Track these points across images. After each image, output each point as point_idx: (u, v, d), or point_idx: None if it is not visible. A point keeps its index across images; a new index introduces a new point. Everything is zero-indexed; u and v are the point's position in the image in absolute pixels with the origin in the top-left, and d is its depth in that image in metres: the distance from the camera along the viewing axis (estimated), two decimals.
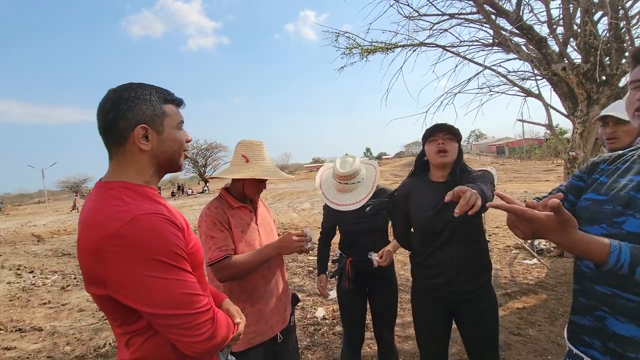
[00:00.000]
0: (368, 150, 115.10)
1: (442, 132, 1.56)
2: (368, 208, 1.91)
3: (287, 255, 1.56)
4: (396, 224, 1.82)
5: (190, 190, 35.24)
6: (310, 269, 5.16)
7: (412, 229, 1.75)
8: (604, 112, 1.63)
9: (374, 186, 1.90)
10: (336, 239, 2.14)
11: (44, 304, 4.61)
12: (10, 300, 4.82)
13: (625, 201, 0.88)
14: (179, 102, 0.94)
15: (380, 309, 2.04)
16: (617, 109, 1.59)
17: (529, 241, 5.54)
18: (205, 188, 35.87)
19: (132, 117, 0.83)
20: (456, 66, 5.79)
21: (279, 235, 1.74)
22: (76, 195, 30.46)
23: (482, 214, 1.57)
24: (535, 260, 4.85)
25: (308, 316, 3.52)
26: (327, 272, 2.14)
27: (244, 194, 1.52)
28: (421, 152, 1.70)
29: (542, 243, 5.48)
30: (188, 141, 0.95)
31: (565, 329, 1.05)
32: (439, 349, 1.67)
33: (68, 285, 5.38)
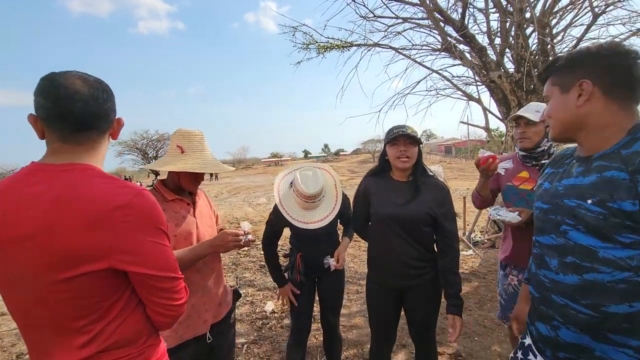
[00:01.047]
0: (326, 146, 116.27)
1: (403, 138, 1.65)
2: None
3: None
4: (357, 218, 1.91)
5: (139, 183, 33.18)
6: (262, 263, 5.14)
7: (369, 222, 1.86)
8: (516, 113, 1.78)
9: (339, 197, 1.87)
10: (286, 232, 2.14)
11: None
12: None
13: (565, 210, 0.92)
14: None
15: (327, 293, 2.11)
16: (528, 111, 1.75)
17: (466, 234, 6.04)
18: (215, 178, 33.78)
19: (115, 109, 0.92)
20: (407, 68, 6.08)
21: (218, 231, 1.72)
22: None
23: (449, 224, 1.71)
24: (470, 252, 5.30)
25: (257, 310, 3.51)
26: (286, 276, 2.07)
27: (179, 186, 1.47)
28: (383, 151, 1.80)
29: (477, 236, 6.00)
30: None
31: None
32: (389, 330, 1.85)
33: None
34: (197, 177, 1.47)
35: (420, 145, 1.72)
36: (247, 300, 3.78)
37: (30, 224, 0.74)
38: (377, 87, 6.34)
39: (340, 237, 2.16)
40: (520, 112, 1.75)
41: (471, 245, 5.52)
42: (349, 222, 2.13)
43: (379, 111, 6.21)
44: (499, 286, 2.00)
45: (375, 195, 1.79)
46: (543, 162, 1.73)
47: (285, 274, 2.08)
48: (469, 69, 5.79)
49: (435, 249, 1.77)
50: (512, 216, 1.67)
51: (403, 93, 6.18)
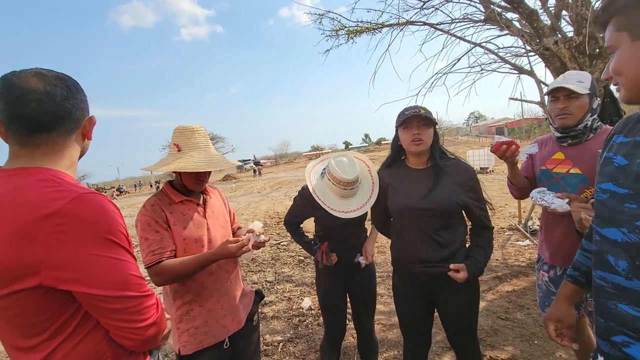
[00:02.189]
0: (367, 136, 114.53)
1: (416, 119, 1.49)
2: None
3: (244, 255, 1.47)
4: (376, 214, 1.77)
5: (154, 185, 36.42)
6: (301, 258, 5.10)
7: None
8: (555, 85, 1.49)
9: (375, 183, 1.74)
10: (309, 225, 2.02)
11: None
12: None
13: None
14: None
15: (359, 293, 1.97)
16: (569, 81, 1.46)
17: (522, 222, 5.46)
18: (258, 173, 35.53)
19: (84, 107, 0.83)
20: (445, 46, 5.59)
21: (234, 231, 1.64)
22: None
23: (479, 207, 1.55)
24: (528, 242, 4.78)
25: (294, 307, 3.46)
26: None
27: (185, 187, 1.40)
28: (395, 136, 1.64)
29: (535, 223, 5.41)
30: None
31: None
32: (419, 333, 1.67)
33: None
34: (200, 176, 1.37)
35: (436, 126, 1.54)
36: (285, 297, 3.75)
37: None
38: (414, 70, 5.91)
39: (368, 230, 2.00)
40: (560, 83, 1.46)
41: (528, 235, 4.98)
42: None
43: (417, 94, 5.81)
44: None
45: (393, 188, 1.61)
46: (581, 139, 1.49)
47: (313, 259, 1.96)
48: (517, 39, 5.15)
49: (467, 242, 1.59)
50: (559, 204, 1.38)
51: (442, 72, 5.71)
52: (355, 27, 5.64)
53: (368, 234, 1.98)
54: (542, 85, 5.03)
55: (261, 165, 46.34)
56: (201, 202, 1.45)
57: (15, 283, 0.68)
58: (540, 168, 1.65)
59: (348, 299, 2.03)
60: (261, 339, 2.60)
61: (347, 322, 2.06)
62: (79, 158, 0.88)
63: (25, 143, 0.76)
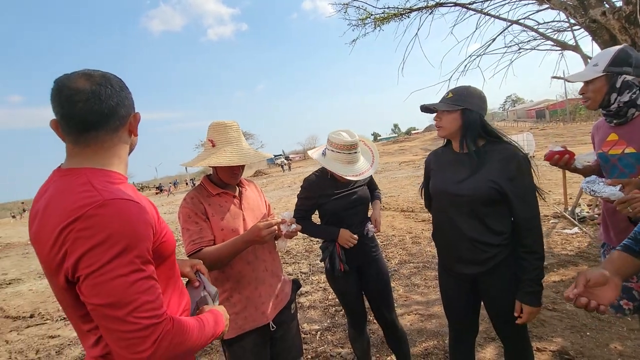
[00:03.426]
0: (396, 126, 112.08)
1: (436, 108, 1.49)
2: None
3: (278, 246, 1.52)
4: (426, 197, 1.75)
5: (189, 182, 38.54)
6: None
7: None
8: (572, 77, 1.53)
9: (373, 148, 1.94)
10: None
11: None
12: None
13: None
14: None
15: (374, 286, 1.96)
16: (583, 71, 1.49)
17: (569, 209, 5.13)
18: (286, 167, 36.64)
19: (129, 104, 0.86)
20: (478, 26, 5.30)
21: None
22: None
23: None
24: (576, 230, 4.48)
25: (329, 297, 3.51)
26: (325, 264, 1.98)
27: (222, 180, 1.46)
28: None
29: (584, 210, 5.05)
30: None
31: None
32: (465, 320, 1.63)
33: None
34: (234, 170, 1.42)
35: (466, 109, 1.43)
36: (320, 287, 3.81)
37: (32, 231, 0.78)
38: (445, 54, 5.64)
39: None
40: (575, 77, 1.51)
41: (576, 222, 4.67)
42: (375, 185, 2.14)
43: (449, 79, 5.59)
44: None
45: (434, 171, 1.60)
46: (626, 117, 1.43)
47: (324, 263, 1.94)
48: (559, 12, 4.79)
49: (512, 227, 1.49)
50: (610, 192, 1.29)
51: (476, 54, 5.44)
52: (382, 14, 5.51)
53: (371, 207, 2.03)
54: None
55: (290, 160, 46.88)
56: (237, 194, 1.51)
57: (57, 279, 0.75)
58: (597, 152, 1.57)
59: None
60: (300, 328, 2.67)
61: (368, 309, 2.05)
62: (129, 153, 0.92)
63: (77, 142, 0.80)
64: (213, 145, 1.40)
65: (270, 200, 12.31)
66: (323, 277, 4.09)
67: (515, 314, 1.38)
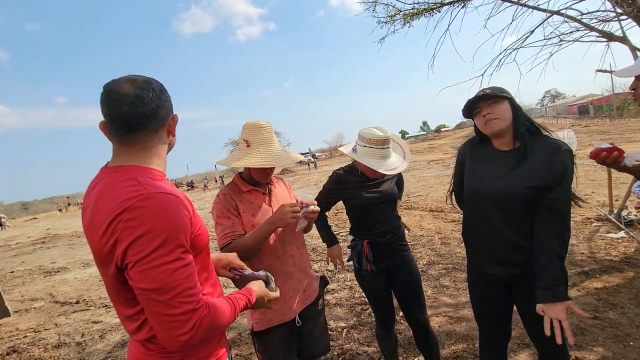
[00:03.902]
0: (425, 124, 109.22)
1: (483, 100, 1.38)
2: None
3: (298, 228, 1.52)
4: (457, 193, 1.68)
5: (218, 179, 39.10)
6: None
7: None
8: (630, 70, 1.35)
9: (403, 144, 1.93)
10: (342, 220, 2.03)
11: None
12: (100, 280, 5.64)
13: None
14: None
15: (404, 288, 1.93)
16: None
17: (615, 211, 4.78)
18: (312, 165, 37.36)
19: (168, 106, 0.92)
20: (514, 18, 5.06)
21: None
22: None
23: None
24: (622, 234, 4.17)
25: (356, 295, 3.51)
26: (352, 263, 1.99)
27: (253, 178, 1.51)
28: (474, 126, 1.54)
29: (632, 213, 4.70)
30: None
31: None
32: (496, 325, 1.57)
33: None
34: (266, 170, 1.47)
35: (512, 100, 1.37)
36: (346, 285, 3.82)
37: (84, 223, 0.88)
38: (477, 48, 5.43)
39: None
40: (624, 72, 1.36)
41: (623, 226, 4.35)
42: (403, 184, 2.16)
43: (482, 75, 5.38)
44: None
45: (469, 166, 1.52)
46: None
47: (352, 263, 1.94)
48: (605, 1, 4.48)
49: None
50: None
51: (512, 47, 5.20)
52: (412, 10, 5.39)
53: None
54: (638, 53, 4.30)
55: (316, 158, 47.03)
56: (267, 191, 1.56)
57: (107, 266, 0.82)
58: None
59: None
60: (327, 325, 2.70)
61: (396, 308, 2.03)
62: (167, 152, 0.99)
63: (122, 142, 0.87)
64: (248, 146, 1.45)
65: None
66: (350, 275, 4.09)
67: (546, 326, 1.22)
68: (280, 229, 1.48)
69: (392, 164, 1.77)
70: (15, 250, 11.50)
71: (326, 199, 1.97)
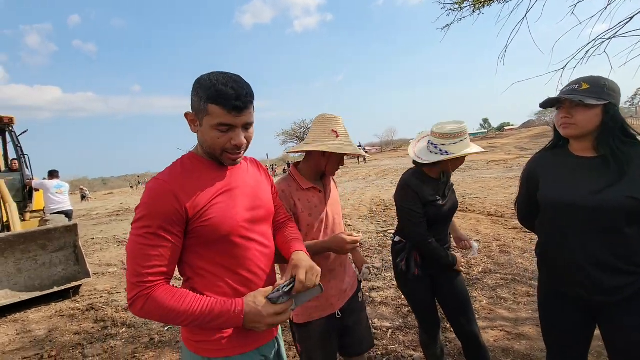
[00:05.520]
0: (486, 121, 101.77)
1: (566, 100, 1.23)
2: None
3: (360, 277, 1.64)
4: (520, 205, 1.54)
5: (271, 167, 39.32)
6: None
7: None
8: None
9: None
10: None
11: None
12: None
13: None
14: (227, 106, 0.92)
15: (449, 298, 1.83)
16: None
17: None
18: (363, 160, 37.89)
19: (191, 104, 0.99)
20: (610, 2, 4.40)
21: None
22: None
23: None
24: None
25: (402, 296, 3.39)
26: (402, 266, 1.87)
27: (319, 172, 1.50)
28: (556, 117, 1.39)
29: None
30: (233, 145, 0.96)
31: None
32: (570, 352, 1.38)
33: None
34: (341, 163, 1.49)
35: (609, 104, 1.19)
36: (393, 284, 3.72)
37: None
38: (558, 39, 4.79)
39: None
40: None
41: None
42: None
43: (563, 68, 4.76)
44: None
45: (547, 177, 1.35)
46: None
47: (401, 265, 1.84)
48: None
49: None
50: None
51: (603, 37, 4.54)
52: None
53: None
54: None
55: (367, 152, 46.42)
56: (322, 189, 1.54)
57: None
58: None
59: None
60: (370, 322, 2.66)
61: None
62: (208, 149, 1.03)
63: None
64: (337, 136, 1.44)
65: (345, 192, 12.49)
66: None
67: None
68: (326, 224, 1.52)
69: (477, 148, 1.76)
70: (95, 220, 13.09)
71: (418, 218, 1.72)
